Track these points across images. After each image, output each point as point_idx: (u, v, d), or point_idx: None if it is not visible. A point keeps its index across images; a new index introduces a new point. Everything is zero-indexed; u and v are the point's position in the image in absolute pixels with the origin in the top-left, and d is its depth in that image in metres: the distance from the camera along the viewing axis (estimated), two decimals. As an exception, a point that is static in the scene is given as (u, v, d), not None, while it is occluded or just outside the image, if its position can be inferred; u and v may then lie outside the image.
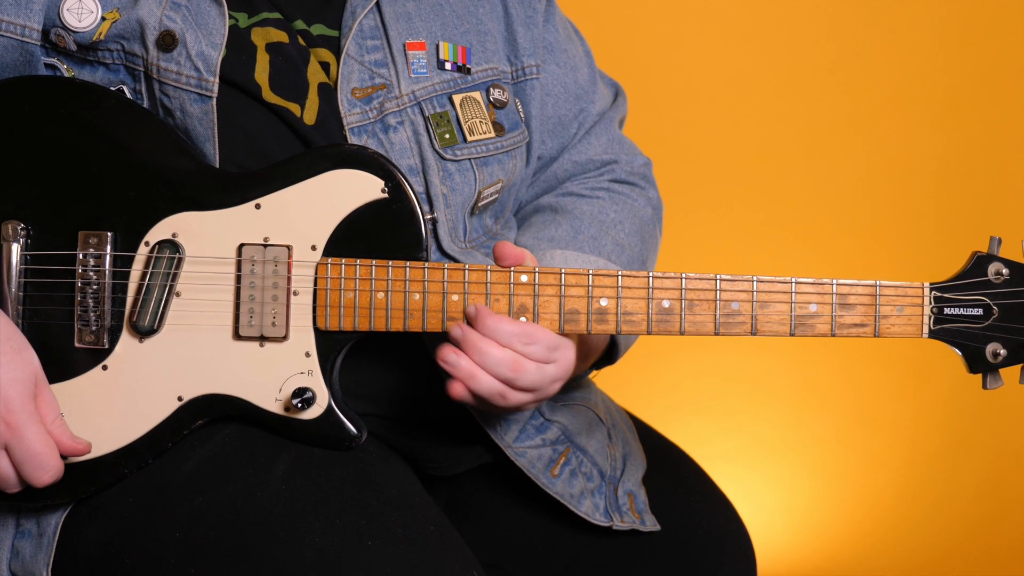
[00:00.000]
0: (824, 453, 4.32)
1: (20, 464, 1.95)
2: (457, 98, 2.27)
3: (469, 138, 2.26)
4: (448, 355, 2.01)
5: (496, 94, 2.32)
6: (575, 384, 2.43)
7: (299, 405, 2.02)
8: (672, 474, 2.46)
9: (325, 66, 2.20)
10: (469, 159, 2.26)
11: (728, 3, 4.19)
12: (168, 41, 2.10)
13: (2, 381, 1.94)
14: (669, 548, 2.34)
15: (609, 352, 2.32)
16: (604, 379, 2.53)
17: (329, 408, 2.05)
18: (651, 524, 2.31)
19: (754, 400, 4.28)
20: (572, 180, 2.46)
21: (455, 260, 2.21)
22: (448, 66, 2.27)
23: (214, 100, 2.10)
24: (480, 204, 2.29)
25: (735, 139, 4.19)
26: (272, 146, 2.13)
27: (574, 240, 2.33)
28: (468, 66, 2.30)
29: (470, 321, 2.01)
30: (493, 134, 2.29)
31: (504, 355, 2.00)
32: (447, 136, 2.23)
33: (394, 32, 2.24)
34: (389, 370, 2.22)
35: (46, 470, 1.96)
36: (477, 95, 2.30)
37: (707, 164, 4.18)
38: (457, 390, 2.01)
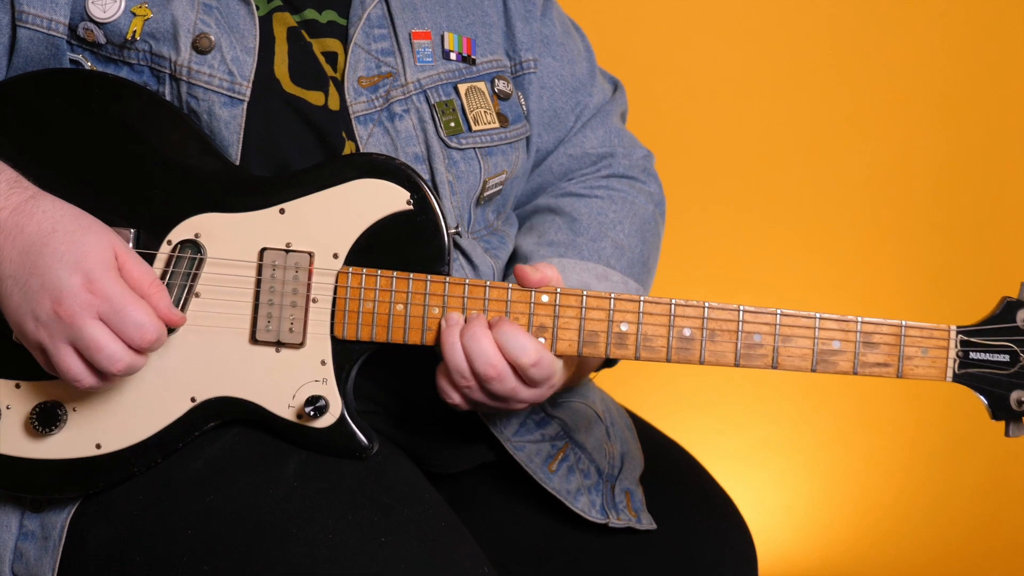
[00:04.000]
0: (824, 453, 4.33)
1: (117, 328, 1.92)
2: (462, 88, 2.28)
3: (474, 127, 2.27)
4: (452, 315, 2.01)
5: (500, 85, 2.33)
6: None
7: (312, 413, 2.01)
8: (673, 472, 2.46)
9: (331, 56, 2.20)
10: (474, 148, 2.26)
11: (729, 3, 4.17)
12: (205, 44, 2.10)
13: (77, 256, 1.92)
14: (671, 546, 2.34)
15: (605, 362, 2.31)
16: (604, 378, 2.52)
17: (342, 418, 2.04)
18: (647, 523, 2.31)
19: (754, 400, 4.28)
20: (570, 177, 2.46)
21: (460, 248, 2.21)
22: (453, 56, 2.28)
23: (246, 104, 2.10)
24: (485, 195, 2.30)
25: (735, 138, 4.19)
26: (288, 143, 2.14)
27: (572, 244, 2.32)
28: (473, 57, 2.31)
29: (490, 325, 2.00)
30: (497, 124, 2.31)
31: (490, 353, 1.98)
32: (452, 124, 2.24)
33: (400, 21, 2.25)
34: (395, 368, 2.21)
35: (146, 328, 1.92)
36: (482, 85, 2.31)
37: (707, 163, 4.17)
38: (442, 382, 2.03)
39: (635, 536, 2.31)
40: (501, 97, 2.32)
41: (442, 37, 2.28)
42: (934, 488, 4.36)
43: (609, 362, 2.31)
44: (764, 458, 4.27)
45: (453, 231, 2.07)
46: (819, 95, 4.17)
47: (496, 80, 2.33)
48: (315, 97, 2.15)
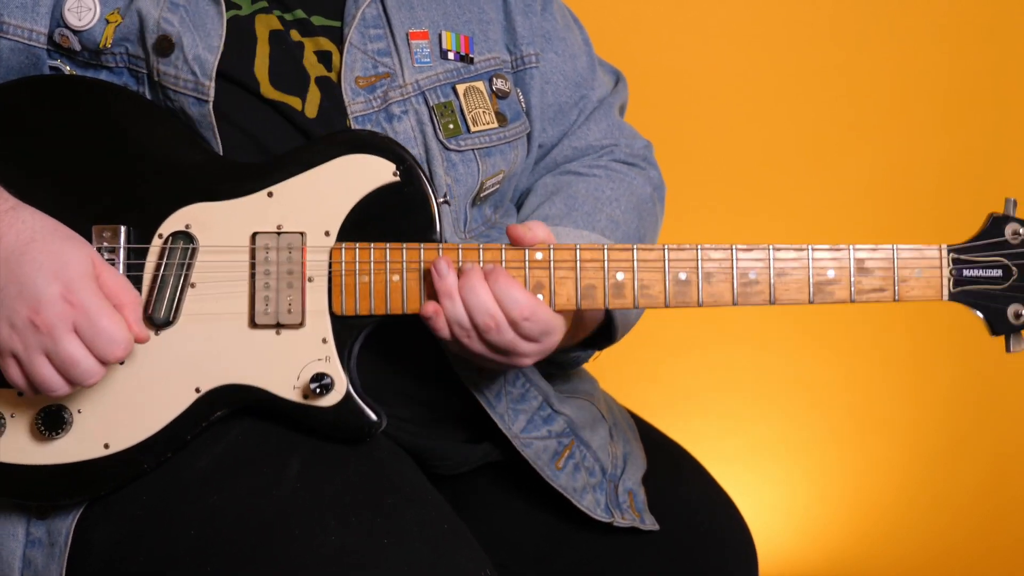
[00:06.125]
0: (824, 453, 4.32)
1: (91, 341, 1.92)
2: (461, 88, 2.28)
3: (473, 128, 2.27)
4: (442, 265, 2.00)
5: (499, 84, 2.33)
6: (579, 378, 2.44)
7: (317, 391, 2.01)
8: (674, 472, 2.46)
9: (326, 56, 2.20)
10: (472, 149, 2.27)
11: (731, 3, 4.20)
12: (165, 46, 2.11)
13: (57, 265, 1.92)
14: (672, 547, 2.34)
15: (605, 332, 2.29)
16: (605, 378, 2.53)
17: (348, 394, 2.04)
18: (650, 523, 2.31)
19: (754, 400, 4.27)
20: (571, 163, 2.46)
21: None
22: (451, 56, 2.28)
23: (211, 104, 2.10)
24: (482, 195, 2.30)
25: (736, 138, 4.20)
26: (272, 144, 2.13)
27: (567, 216, 2.32)
28: (471, 56, 2.31)
29: (486, 275, 2.00)
30: (496, 124, 2.31)
31: (489, 303, 1.98)
32: (451, 126, 2.24)
33: (397, 21, 2.25)
34: (397, 370, 2.21)
35: (117, 344, 1.93)
36: (480, 85, 2.31)
37: (707, 163, 4.18)
38: (428, 307, 2.00)
39: (636, 536, 2.31)
40: (499, 96, 2.33)
41: (440, 36, 2.29)
42: (934, 488, 4.35)
43: (608, 335, 2.31)
44: (764, 459, 4.27)
45: (442, 200, 2.08)
46: (820, 95, 4.19)
47: (494, 79, 2.33)
48: (293, 102, 2.16)
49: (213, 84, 2.10)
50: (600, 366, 2.40)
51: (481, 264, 2.02)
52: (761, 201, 4.22)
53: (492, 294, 1.99)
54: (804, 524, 4.30)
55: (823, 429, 4.31)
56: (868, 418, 4.33)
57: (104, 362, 1.94)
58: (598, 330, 2.27)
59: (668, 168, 2.58)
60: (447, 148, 2.23)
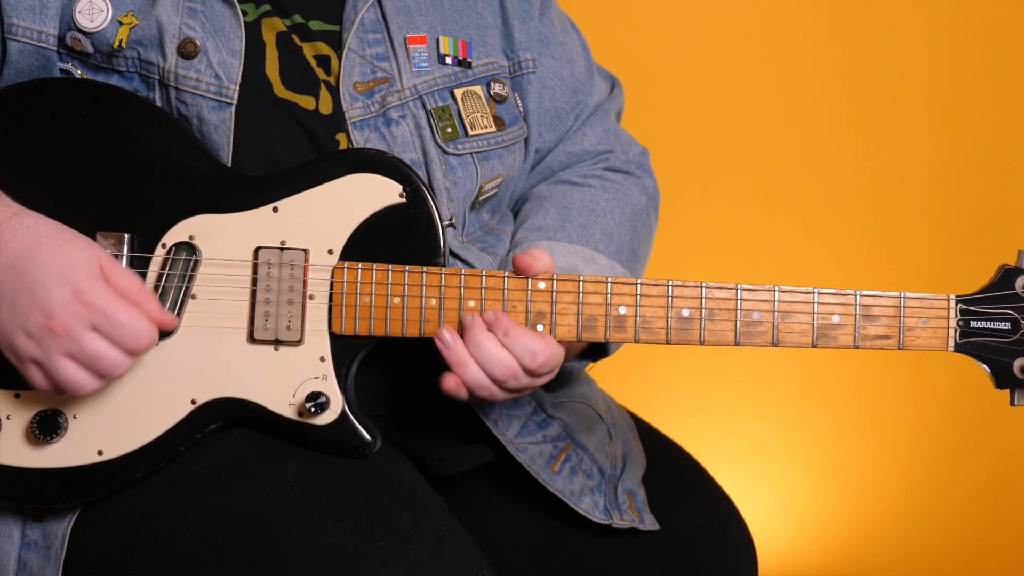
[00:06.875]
0: (824, 453, 4.32)
1: (112, 336, 1.92)
2: (458, 92, 2.28)
3: (471, 132, 2.27)
4: (445, 335, 2.00)
5: (496, 88, 2.33)
6: (576, 381, 2.43)
7: (313, 410, 2.01)
8: (674, 473, 2.46)
9: (324, 60, 2.20)
10: (471, 153, 2.26)
11: (729, 3, 4.17)
12: (190, 49, 2.10)
13: (64, 268, 1.92)
14: (671, 547, 2.34)
15: (600, 345, 2.28)
16: (605, 378, 2.52)
17: (343, 414, 2.03)
18: (650, 523, 2.31)
19: (754, 400, 4.28)
20: (567, 170, 2.45)
21: (453, 253, 2.20)
22: (449, 60, 2.28)
23: (233, 107, 2.10)
24: (481, 199, 2.30)
25: (734, 139, 4.19)
26: (281, 147, 2.13)
27: (562, 229, 2.32)
28: (469, 60, 2.31)
29: (489, 326, 2.00)
30: (494, 128, 2.31)
31: (502, 356, 1.98)
32: (449, 130, 2.24)
33: (395, 26, 2.24)
34: (395, 370, 2.21)
35: (140, 334, 1.93)
36: (478, 89, 2.31)
37: (705, 164, 4.18)
38: (449, 382, 2.00)
39: (636, 537, 2.31)
40: (497, 100, 2.33)
41: (437, 41, 2.28)
42: (934, 488, 4.36)
43: (603, 349, 2.30)
44: (764, 459, 4.27)
45: (447, 223, 2.07)
46: (819, 96, 4.18)
47: (492, 83, 2.33)
48: (306, 101, 2.15)
49: (238, 88, 2.11)
50: (599, 366, 2.39)
51: (483, 303, 2.01)
52: (759, 203, 4.21)
53: (501, 344, 1.99)
54: (804, 524, 4.31)
55: (823, 429, 4.32)
56: (868, 418, 4.33)
57: (132, 354, 1.94)
58: (593, 343, 2.27)
59: (665, 171, 2.57)
60: (445, 152, 2.23)
